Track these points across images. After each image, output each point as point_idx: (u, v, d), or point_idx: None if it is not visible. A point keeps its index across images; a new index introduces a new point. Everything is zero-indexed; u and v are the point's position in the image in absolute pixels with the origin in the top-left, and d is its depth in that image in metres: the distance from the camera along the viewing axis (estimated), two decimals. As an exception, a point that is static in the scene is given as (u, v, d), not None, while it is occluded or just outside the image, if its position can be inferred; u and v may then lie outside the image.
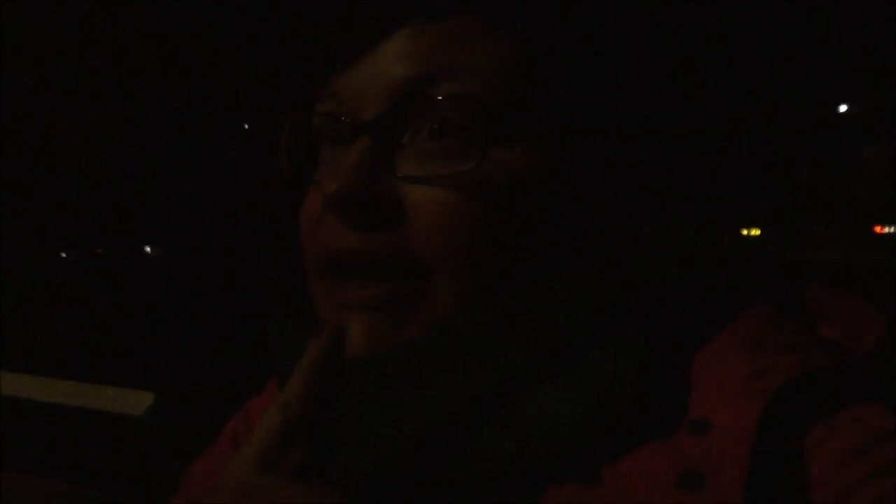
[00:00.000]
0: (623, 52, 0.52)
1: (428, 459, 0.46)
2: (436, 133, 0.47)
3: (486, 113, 0.46)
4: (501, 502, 0.45)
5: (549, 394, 0.45)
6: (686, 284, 0.48)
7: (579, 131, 0.50)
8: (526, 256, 0.48)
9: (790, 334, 0.48)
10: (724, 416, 0.44)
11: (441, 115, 0.46)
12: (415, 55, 0.47)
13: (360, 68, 0.48)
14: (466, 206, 0.46)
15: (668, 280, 0.48)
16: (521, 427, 0.45)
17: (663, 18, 0.53)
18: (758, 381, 0.44)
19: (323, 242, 0.49)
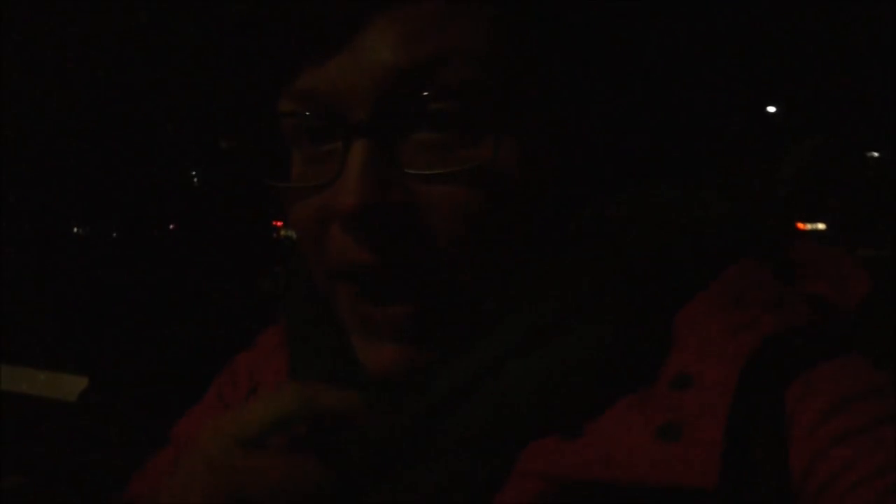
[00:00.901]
0: (606, 18, 0.52)
1: (415, 424, 0.47)
2: (438, 124, 0.44)
3: (490, 99, 0.44)
4: (484, 457, 0.46)
5: (532, 354, 0.46)
6: (669, 242, 0.49)
7: (572, 107, 0.50)
8: (531, 239, 0.49)
9: (774, 290, 0.48)
10: (704, 371, 0.44)
11: (441, 104, 0.44)
12: (399, 43, 0.43)
13: (338, 61, 0.45)
14: (481, 198, 0.45)
15: (651, 238, 0.49)
16: (504, 386, 0.45)
17: None
18: (739, 336, 0.44)
19: (337, 257, 0.47)
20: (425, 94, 0.44)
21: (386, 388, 0.48)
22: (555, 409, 0.45)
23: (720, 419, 0.42)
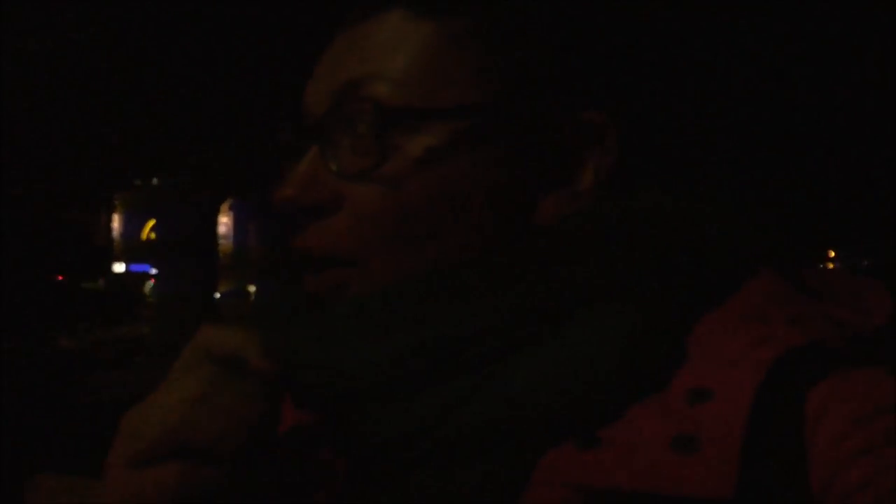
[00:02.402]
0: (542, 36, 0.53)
1: (424, 425, 0.47)
2: (356, 132, 0.50)
3: (406, 110, 0.49)
4: (498, 464, 0.46)
5: (547, 359, 0.46)
6: (688, 254, 0.49)
7: (520, 121, 0.52)
8: (477, 232, 0.51)
9: (794, 306, 0.48)
10: (723, 384, 0.44)
11: (363, 113, 0.49)
12: (347, 59, 0.51)
13: (312, 79, 0.53)
14: (381, 198, 0.50)
15: (670, 250, 0.49)
16: (518, 392, 0.46)
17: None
18: (759, 350, 0.45)
19: (289, 240, 0.54)
20: (354, 102, 0.50)
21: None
22: (572, 414, 0.45)
23: (737, 433, 0.42)
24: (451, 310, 0.48)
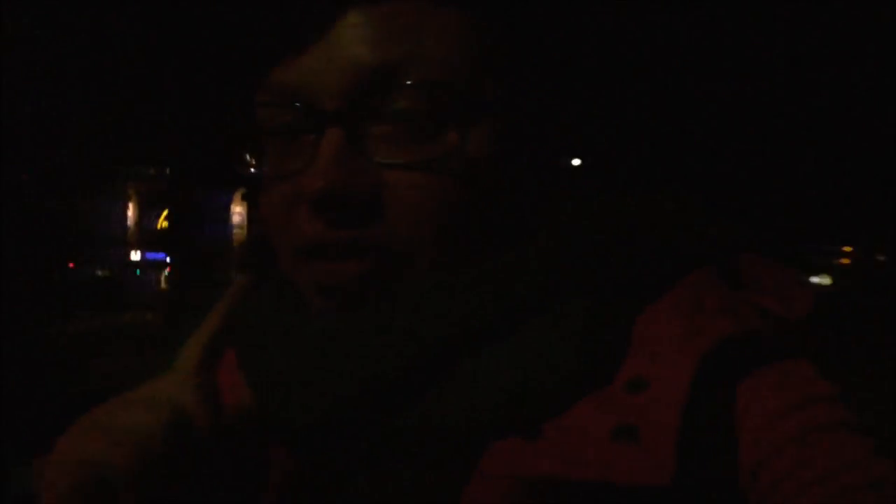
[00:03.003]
0: (570, 22, 0.54)
1: (371, 415, 0.47)
2: (404, 118, 0.47)
3: (453, 97, 0.47)
4: (444, 458, 0.47)
5: (492, 354, 0.47)
6: (627, 251, 0.51)
7: (536, 107, 0.52)
8: (488, 231, 0.50)
9: (727, 299, 0.50)
10: (659, 374, 0.46)
11: (409, 100, 0.47)
12: (374, 41, 0.46)
13: (313, 55, 0.47)
14: (442, 190, 0.47)
15: (610, 247, 0.51)
16: (464, 386, 0.46)
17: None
18: (693, 340, 0.46)
19: (305, 237, 0.49)
20: (393, 90, 0.46)
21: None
22: (517, 410, 0.46)
23: (673, 422, 0.44)
24: (414, 314, 0.47)
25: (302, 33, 0.47)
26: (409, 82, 0.46)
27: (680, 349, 0.46)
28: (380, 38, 0.46)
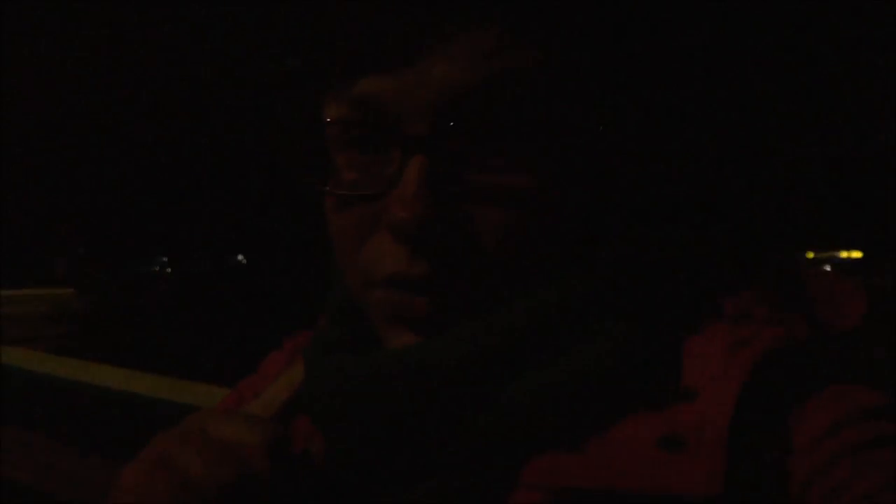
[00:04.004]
0: (648, 55, 0.53)
1: (412, 428, 0.47)
2: (494, 145, 0.46)
3: (546, 124, 0.46)
4: (487, 469, 0.47)
5: (541, 367, 0.47)
6: (679, 267, 0.51)
7: (611, 139, 0.51)
8: (564, 256, 0.50)
9: (777, 309, 0.49)
10: (708, 384, 0.45)
11: (500, 127, 0.46)
12: (465, 63, 0.45)
13: (401, 73, 0.46)
14: (532, 222, 0.47)
15: (662, 263, 0.50)
16: (509, 396, 0.46)
17: (685, 19, 0.56)
18: (742, 350, 0.46)
19: (389, 267, 0.48)
20: (481, 115, 0.45)
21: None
22: (562, 422, 0.46)
23: (722, 430, 0.43)
24: (467, 335, 0.47)
25: (397, 48, 0.46)
26: (498, 107, 0.45)
27: (729, 359, 0.46)
28: (471, 59, 0.45)
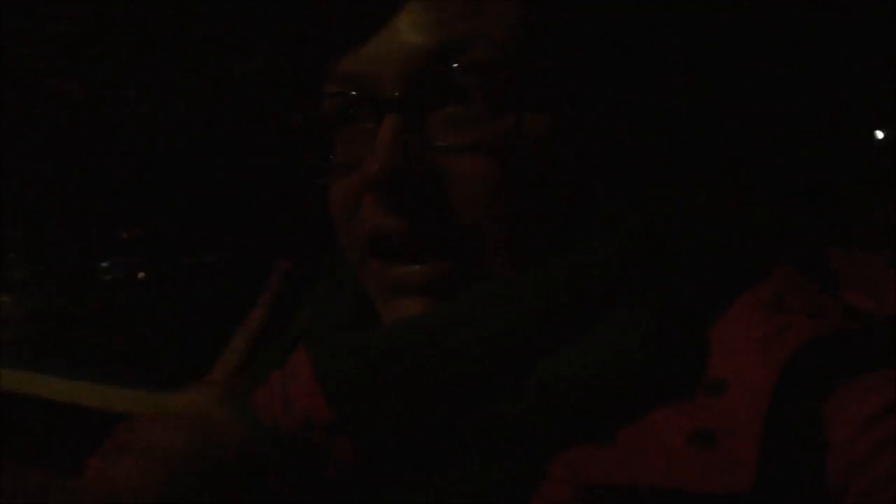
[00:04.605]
0: (633, 9, 0.53)
1: (439, 419, 0.47)
2: (463, 100, 0.47)
3: (513, 78, 0.47)
4: (514, 462, 0.46)
5: (564, 356, 0.46)
6: (706, 247, 0.49)
7: (599, 89, 0.51)
8: (552, 221, 0.49)
9: (811, 297, 0.48)
10: (740, 376, 0.44)
11: (465, 82, 0.47)
12: (430, 25, 0.46)
13: (373, 44, 0.48)
14: (504, 171, 0.47)
15: (689, 243, 0.49)
16: (534, 390, 0.45)
17: None
18: (776, 342, 0.44)
19: (366, 226, 0.49)
20: (451, 72, 0.46)
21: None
22: (589, 415, 0.45)
23: (755, 426, 0.42)
24: (486, 315, 0.46)
25: (364, 22, 0.48)
26: (465, 64, 0.46)
27: (762, 350, 0.44)
28: (437, 21, 0.46)
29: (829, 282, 0.51)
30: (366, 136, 0.48)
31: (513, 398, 0.46)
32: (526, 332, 0.46)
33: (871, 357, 0.45)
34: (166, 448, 0.44)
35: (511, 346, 0.46)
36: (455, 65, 0.46)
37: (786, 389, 0.43)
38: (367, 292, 0.52)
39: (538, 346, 0.46)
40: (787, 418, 0.43)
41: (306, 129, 0.54)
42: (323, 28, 0.51)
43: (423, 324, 0.47)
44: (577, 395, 0.45)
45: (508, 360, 0.46)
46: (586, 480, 0.44)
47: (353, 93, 0.49)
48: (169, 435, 0.45)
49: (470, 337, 0.46)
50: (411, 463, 0.48)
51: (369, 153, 0.47)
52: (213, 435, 0.45)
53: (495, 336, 0.46)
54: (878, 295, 0.49)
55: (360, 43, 0.48)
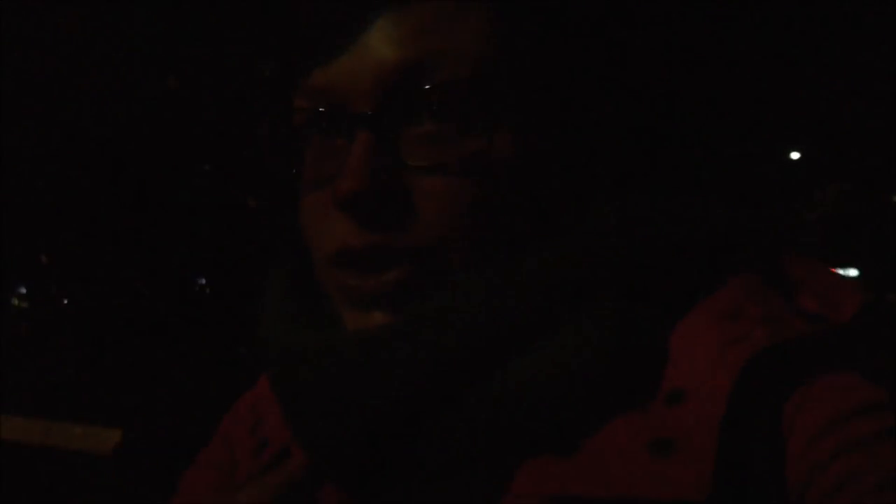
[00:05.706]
0: (599, 23, 0.53)
1: (399, 432, 0.46)
2: (435, 119, 0.47)
3: (485, 94, 0.47)
4: (476, 476, 0.46)
5: (525, 366, 0.46)
6: (665, 256, 0.49)
7: (565, 106, 0.51)
8: (518, 230, 0.49)
9: (768, 305, 0.48)
10: (697, 385, 0.44)
11: (437, 99, 0.46)
12: (401, 41, 0.46)
13: (344, 59, 0.47)
14: (475, 189, 0.47)
15: (647, 251, 0.49)
16: (495, 400, 0.45)
17: None
18: (732, 350, 0.45)
19: (336, 242, 0.48)
20: (423, 89, 0.46)
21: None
22: (548, 426, 0.45)
23: (711, 434, 0.42)
24: (448, 320, 0.46)
25: (333, 36, 0.47)
26: (435, 81, 0.46)
27: (719, 359, 0.45)
28: (407, 37, 0.46)
29: (785, 289, 0.51)
30: (336, 151, 0.48)
31: (471, 410, 0.46)
32: (481, 343, 0.46)
33: (828, 362, 0.45)
34: None
35: (468, 357, 0.46)
36: (427, 85, 0.46)
37: (743, 397, 0.43)
38: (328, 294, 0.52)
39: (494, 358, 0.46)
40: (745, 425, 0.43)
41: (274, 140, 0.53)
42: (292, 41, 0.51)
43: (379, 336, 0.47)
44: (536, 406, 0.45)
45: (465, 372, 0.46)
46: (549, 492, 0.44)
47: (324, 109, 0.49)
48: None
49: (425, 348, 0.46)
50: (364, 480, 0.49)
51: (341, 169, 0.46)
52: None
53: (451, 348, 0.46)
54: (832, 302, 0.49)
55: (329, 57, 0.48)
